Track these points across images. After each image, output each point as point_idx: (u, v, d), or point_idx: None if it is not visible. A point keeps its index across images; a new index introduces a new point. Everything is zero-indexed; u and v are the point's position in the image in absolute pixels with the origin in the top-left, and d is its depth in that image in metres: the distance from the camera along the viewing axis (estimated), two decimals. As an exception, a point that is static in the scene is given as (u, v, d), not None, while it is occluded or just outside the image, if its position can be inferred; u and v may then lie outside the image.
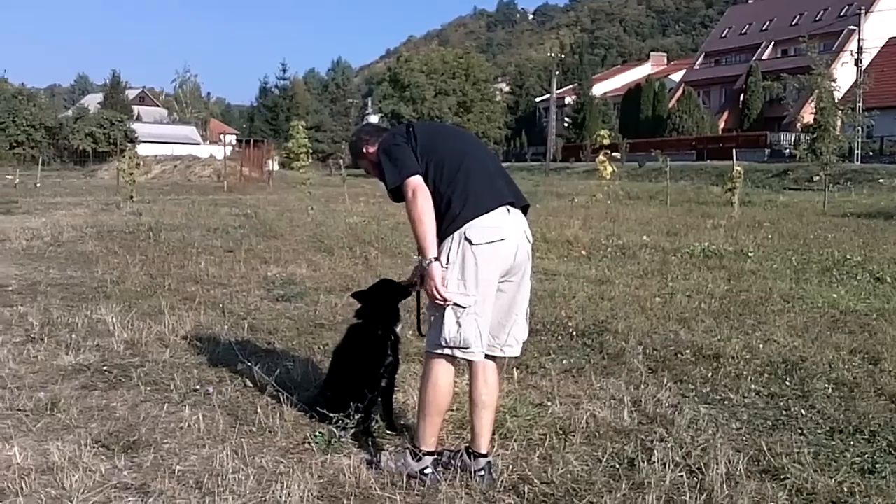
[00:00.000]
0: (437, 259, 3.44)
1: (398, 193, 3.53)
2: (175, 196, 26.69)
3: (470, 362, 3.62)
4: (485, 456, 3.65)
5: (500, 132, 72.58)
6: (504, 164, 4.21)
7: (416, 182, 3.46)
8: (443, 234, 3.49)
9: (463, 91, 66.11)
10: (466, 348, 3.49)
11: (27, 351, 5.64)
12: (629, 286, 8.77)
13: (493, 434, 3.89)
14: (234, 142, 54.53)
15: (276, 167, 44.77)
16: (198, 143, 69.11)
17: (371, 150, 3.80)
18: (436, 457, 3.67)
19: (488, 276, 3.48)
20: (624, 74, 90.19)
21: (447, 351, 3.51)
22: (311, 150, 20.50)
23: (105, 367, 5.29)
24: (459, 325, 3.46)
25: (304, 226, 15.33)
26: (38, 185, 31.71)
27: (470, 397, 3.71)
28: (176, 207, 20.29)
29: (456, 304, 3.44)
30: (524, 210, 3.72)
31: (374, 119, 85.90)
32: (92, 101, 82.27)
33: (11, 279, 8.79)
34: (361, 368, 4.14)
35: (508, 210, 3.58)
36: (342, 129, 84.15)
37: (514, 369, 5.19)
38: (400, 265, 10.02)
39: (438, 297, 3.44)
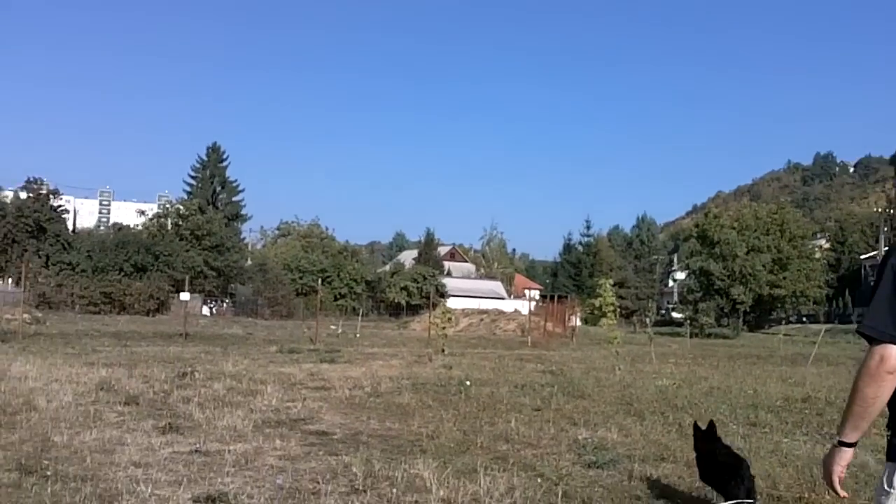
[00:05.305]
0: (848, 445, 2.71)
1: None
2: (482, 349, 27.43)
3: None
4: None
5: (821, 291, 67.51)
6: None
7: (891, 358, 2.58)
8: None
9: (778, 247, 62.70)
10: None
11: (351, 502, 5.78)
12: None
13: None
14: (537, 297, 55.86)
15: (579, 322, 44.92)
16: (503, 298, 71.66)
17: None
18: None
19: None
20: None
21: None
22: (617, 308, 20.27)
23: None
24: None
25: (612, 386, 14.89)
26: (358, 335, 33.76)
27: None
28: (483, 361, 20.76)
29: None
30: None
31: (680, 276, 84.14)
32: (407, 257, 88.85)
33: (336, 428, 9.30)
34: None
35: None
36: (646, 285, 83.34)
37: None
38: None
39: (829, 487, 2.77)
